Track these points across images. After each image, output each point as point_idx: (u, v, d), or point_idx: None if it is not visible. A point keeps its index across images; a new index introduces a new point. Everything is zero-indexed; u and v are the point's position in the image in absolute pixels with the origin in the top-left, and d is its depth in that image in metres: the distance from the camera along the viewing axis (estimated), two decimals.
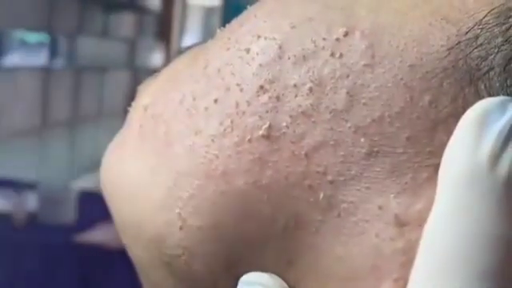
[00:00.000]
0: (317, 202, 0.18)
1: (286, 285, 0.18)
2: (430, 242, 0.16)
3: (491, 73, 0.17)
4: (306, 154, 0.18)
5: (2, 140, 2.43)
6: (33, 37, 2.55)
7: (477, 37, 0.17)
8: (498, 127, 0.16)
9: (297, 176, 0.18)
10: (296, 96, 0.18)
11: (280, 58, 0.19)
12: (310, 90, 0.18)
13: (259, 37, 0.19)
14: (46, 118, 2.82)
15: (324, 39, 0.18)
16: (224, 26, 0.22)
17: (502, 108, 0.16)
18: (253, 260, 0.19)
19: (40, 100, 2.76)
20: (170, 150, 0.20)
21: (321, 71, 0.18)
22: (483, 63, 0.17)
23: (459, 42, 0.17)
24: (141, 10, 3.91)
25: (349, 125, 0.18)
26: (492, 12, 0.18)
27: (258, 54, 0.19)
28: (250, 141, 0.19)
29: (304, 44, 0.19)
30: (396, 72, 0.18)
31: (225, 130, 0.19)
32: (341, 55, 0.18)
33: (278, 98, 0.19)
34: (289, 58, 0.19)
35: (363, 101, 0.18)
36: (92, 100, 3.35)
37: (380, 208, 0.17)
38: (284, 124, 0.18)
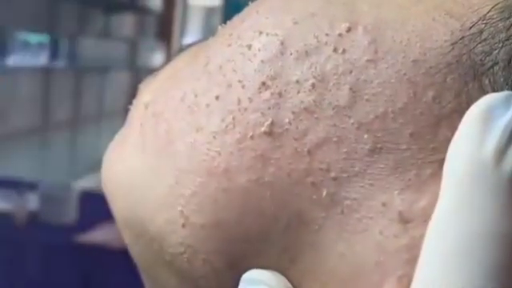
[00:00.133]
0: (320, 199, 0.18)
1: (288, 283, 0.18)
2: (435, 239, 0.16)
3: (495, 68, 0.17)
4: (309, 151, 0.18)
5: (4, 140, 2.43)
6: (34, 37, 2.55)
7: (481, 32, 0.17)
8: (502, 123, 0.16)
9: (299, 173, 0.18)
10: (298, 92, 0.18)
11: (282, 53, 0.19)
12: (313, 86, 0.18)
13: (261, 33, 0.19)
14: (47, 118, 2.82)
15: (326, 35, 0.18)
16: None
17: (507, 103, 0.16)
18: (255, 257, 0.19)
19: (41, 100, 2.76)
20: (171, 147, 0.20)
21: (323, 67, 0.18)
22: (487, 58, 0.17)
23: (463, 37, 0.17)
24: (142, 11, 3.91)
25: (352, 121, 0.17)
26: (496, 7, 0.17)
27: (259, 50, 0.19)
28: (252, 138, 0.18)
29: (306, 40, 0.19)
30: (399, 67, 0.17)
31: (226, 126, 0.19)
32: (344, 51, 0.18)
33: (280, 95, 0.18)
34: (291, 54, 0.19)
35: (366, 97, 0.17)
36: (93, 100, 3.35)
37: (384, 205, 0.17)
38: (286, 120, 0.18)
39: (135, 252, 0.22)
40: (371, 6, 0.18)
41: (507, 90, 0.17)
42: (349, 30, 0.18)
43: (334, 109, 0.18)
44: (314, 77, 0.18)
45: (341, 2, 0.19)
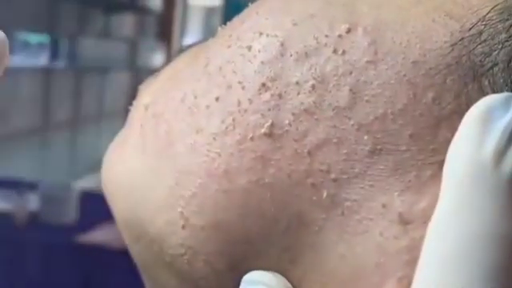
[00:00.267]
0: (320, 201, 0.18)
1: (289, 284, 0.18)
2: (435, 241, 0.16)
3: (495, 69, 0.17)
4: (309, 152, 0.18)
5: (4, 140, 2.43)
6: (34, 38, 2.55)
7: (480, 33, 0.17)
8: (502, 124, 0.16)
9: (300, 174, 0.18)
10: (298, 93, 0.18)
11: (282, 55, 0.19)
12: (313, 87, 0.18)
13: (261, 34, 0.19)
14: (47, 119, 2.82)
15: (326, 36, 0.18)
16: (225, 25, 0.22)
17: (506, 105, 0.16)
18: (255, 259, 0.19)
19: (42, 100, 2.76)
20: (171, 148, 0.20)
21: (323, 68, 0.18)
22: (487, 59, 0.17)
23: (463, 38, 0.17)
24: (142, 11, 3.91)
25: (352, 122, 0.17)
26: (495, 8, 0.17)
27: (259, 51, 0.19)
28: (252, 139, 0.18)
29: (306, 41, 0.19)
30: (399, 69, 0.17)
31: (226, 128, 0.19)
32: (343, 52, 0.18)
33: (280, 96, 0.18)
34: (291, 55, 0.19)
35: (366, 98, 0.17)
36: (93, 100, 3.35)
37: (384, 206, 0.17)
38: (286, 122, 0.18)
39: (135, 253, 0.22)
40: (371, 7, 0.18)
41: (507, 91, 0.17)
42: (348, 31, 0.18)
43: (333, 110, 0.18)
44: (314, 78, 0.18)
45: (340, 4, 0.19)
